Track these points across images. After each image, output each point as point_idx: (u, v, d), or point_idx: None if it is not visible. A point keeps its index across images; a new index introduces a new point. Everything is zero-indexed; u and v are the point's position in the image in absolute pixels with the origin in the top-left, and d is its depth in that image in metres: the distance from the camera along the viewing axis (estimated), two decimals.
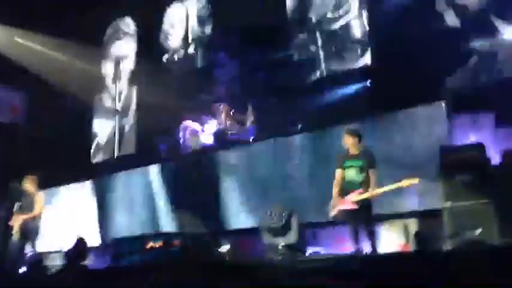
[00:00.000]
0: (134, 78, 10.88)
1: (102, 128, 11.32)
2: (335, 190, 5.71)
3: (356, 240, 5.57)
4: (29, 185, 7.84)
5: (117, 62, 11.30)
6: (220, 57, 9.56)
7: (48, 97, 11.06)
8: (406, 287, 2.94)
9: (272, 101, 8.65)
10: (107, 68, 11.47)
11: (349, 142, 5.75)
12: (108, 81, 11.38)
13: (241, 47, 9.16)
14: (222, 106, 9.12)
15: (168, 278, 3.74)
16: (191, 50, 10.11)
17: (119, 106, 11.07)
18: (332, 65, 8.09)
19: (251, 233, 7.27)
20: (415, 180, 5.29)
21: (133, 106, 10.79)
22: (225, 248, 7.01)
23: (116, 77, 11.25)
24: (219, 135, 9.10)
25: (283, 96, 8.35)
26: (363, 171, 5.60)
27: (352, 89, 7.64)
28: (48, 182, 9.17)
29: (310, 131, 7.72)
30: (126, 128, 10.80)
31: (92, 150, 11.27)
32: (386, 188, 5.44)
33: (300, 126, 8.05)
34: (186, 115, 9.44)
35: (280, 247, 6.35)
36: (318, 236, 7.00)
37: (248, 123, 8.91)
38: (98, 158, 11.23)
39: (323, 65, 8.20)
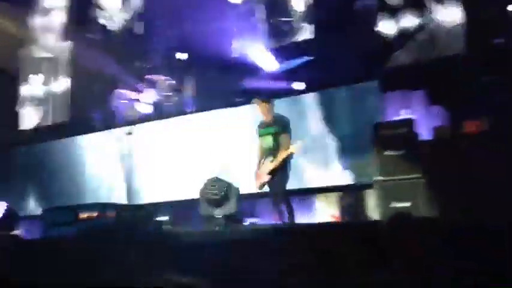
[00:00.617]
0: (66, 34, 10.35)
1: (33, 79, 10.69)
2: (257, 161, 5.74)
3: (278, 211, 5.55)
4: None
5: (47, 14, 10.69)
6: (159, 25, 9.31)
7: None
8: (337, 256, 3.08)
9: (211, 72, 8.56)
10: (36, 21, 10.82)
11: (261, 110, 5.76)
12: (38, 33, 10.77)
13: (180, 16, 8.95)
14: (159, 75, 8.95)
15: (103, 248, 3.69)
16: (128, 16, 9.77)
17: (49, 56, 10.52)
18: (273, 38, 8.08)
19: (188, 204, 7.27)
20: (299, 144, 5.43)
21: (64, 64, 10.28)
22: (162, 219, 6.98)
23: (46, 30, 10.66)
24: (155, 104, 8.93)
25: (222, 67, 8.28)
26: (277, 136, 5.60)
27: (292, 63, 7.69)
28: None
29: (249, 103, 7.72)
30: (58, 85, 10.29)
31: (19, 102, 10.66)
32: (281, 157, 5.46)
33: (239, 99, 8.03)
34: (122, 83, 9.17)
35: (217, 217, 6.38)
36: (256, 206, 7.11)
37: (186, 94, 8.79)
38: (27, 109, 10.62)
39: (264, 38, 8.18)
